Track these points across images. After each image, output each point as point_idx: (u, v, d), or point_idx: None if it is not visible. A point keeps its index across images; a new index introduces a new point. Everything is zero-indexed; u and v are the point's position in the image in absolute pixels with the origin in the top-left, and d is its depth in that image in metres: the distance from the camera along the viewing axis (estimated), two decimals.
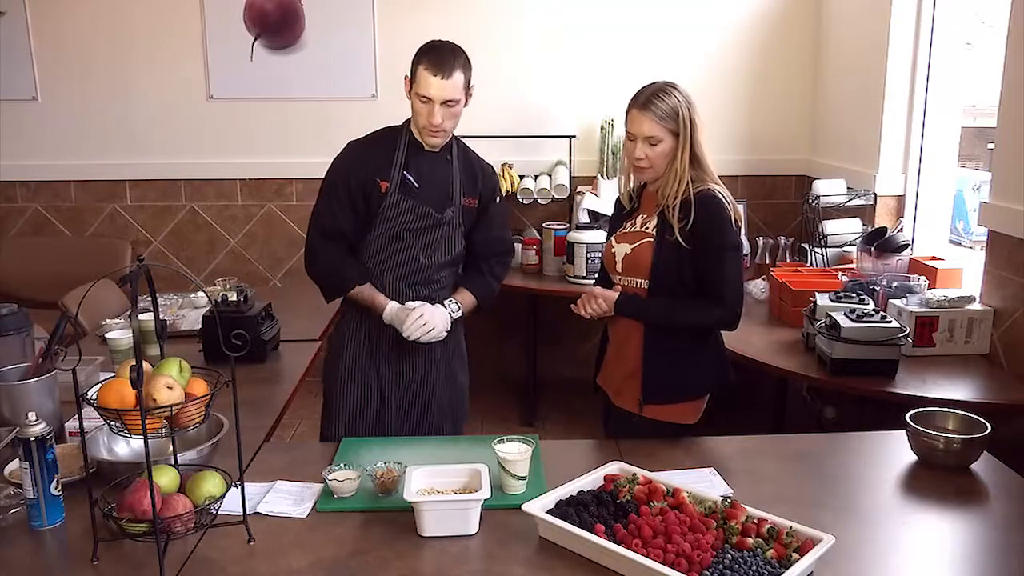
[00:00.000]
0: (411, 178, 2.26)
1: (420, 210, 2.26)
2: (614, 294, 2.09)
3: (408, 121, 2.30)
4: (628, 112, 2.04)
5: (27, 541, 1.61)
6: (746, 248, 3.61)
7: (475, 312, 2.43)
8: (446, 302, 2.33)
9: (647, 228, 2.07)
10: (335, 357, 2.42)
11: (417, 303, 2.27)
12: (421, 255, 2.30)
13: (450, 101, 2.15)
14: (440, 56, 2.14)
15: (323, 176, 2.32)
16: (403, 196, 2.25)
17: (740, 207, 2.10)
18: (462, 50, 2.20)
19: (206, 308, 3.17)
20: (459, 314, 2.34)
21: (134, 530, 1.49)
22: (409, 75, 2.21)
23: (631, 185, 2.19)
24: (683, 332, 2.05)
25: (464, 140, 2.42)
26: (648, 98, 1.99)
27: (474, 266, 2.45)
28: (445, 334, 2.28)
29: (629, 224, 2.15)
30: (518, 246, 4.21)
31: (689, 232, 1.98)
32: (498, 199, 2.43)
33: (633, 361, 2.11)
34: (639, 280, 2.07)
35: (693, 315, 2.04)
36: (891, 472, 1.90)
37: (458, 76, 2.14)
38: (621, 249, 2.12)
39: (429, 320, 2.22)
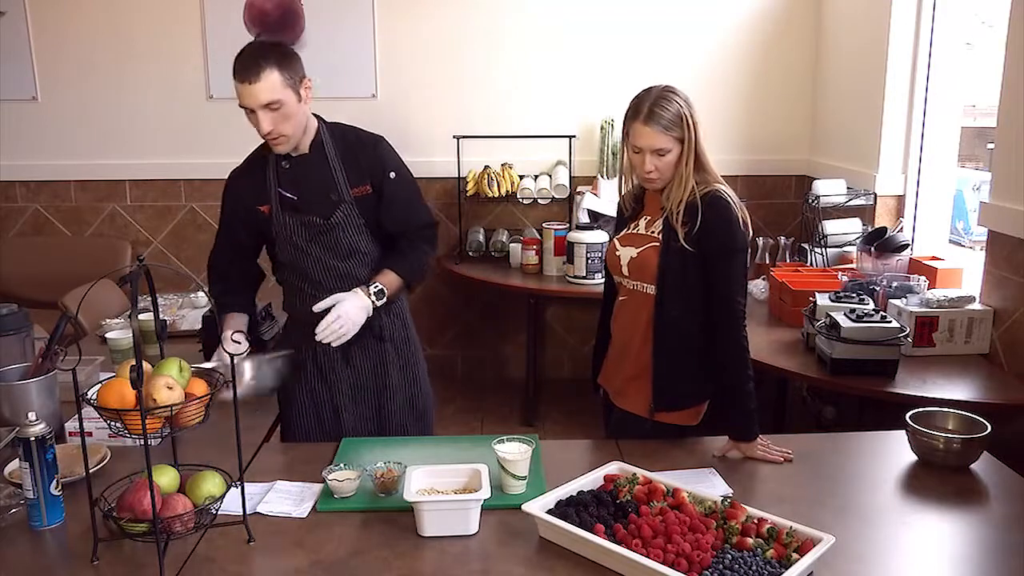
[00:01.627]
0: (287, 194, 2.17)
1: (307, 220, 2.17)
2: (753, 443, 1.94)
3: None
4: (629, 125, 1.98)
5: (27, 541, 1.61)
6: None
7: (402, 290, 2.29)
8: (364, 288, 2.16)
9: (652, 232, 2.05)
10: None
11: (331, 299, 2.11)
12: (334, 260, 2.20)
13: (271, 104, 2.01)
14: (243, 61, 2.03)
15: None
16: (287, 213, 2.17)
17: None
18: (277, 46, 2.07)
19: (206, 308, 3.16)
20: (383, 298, 2.17)
21: (134, 530, 1.49)
22: None
23: (628, 188, 2.16)
24: (750, 373, 1.98)
25: (347, 124, 2.25)
26: (650, 109, 1.93)
27: (394, 245, 2.29)
28: (358, 327, 2.13)
29: (633, 226, 2.12)
30: (518, 246, 4.22)
31: (696, 235, 1.96)
32: (392, 174, 2.23)
33: (636, 363, 2.10)
34: (645, 284, 2.06)
35: (742, 367, 1.97)
36: (891, 472, 1.90)
37: (268, 76, 2.00)
38: (626, 253, 2.10)
39: (344, 321, 2.08)
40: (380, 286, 2.19)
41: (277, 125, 2.05)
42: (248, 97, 2.02)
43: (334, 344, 2.11)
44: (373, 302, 2.16)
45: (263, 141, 2.17)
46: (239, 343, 1.98)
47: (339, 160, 2.19)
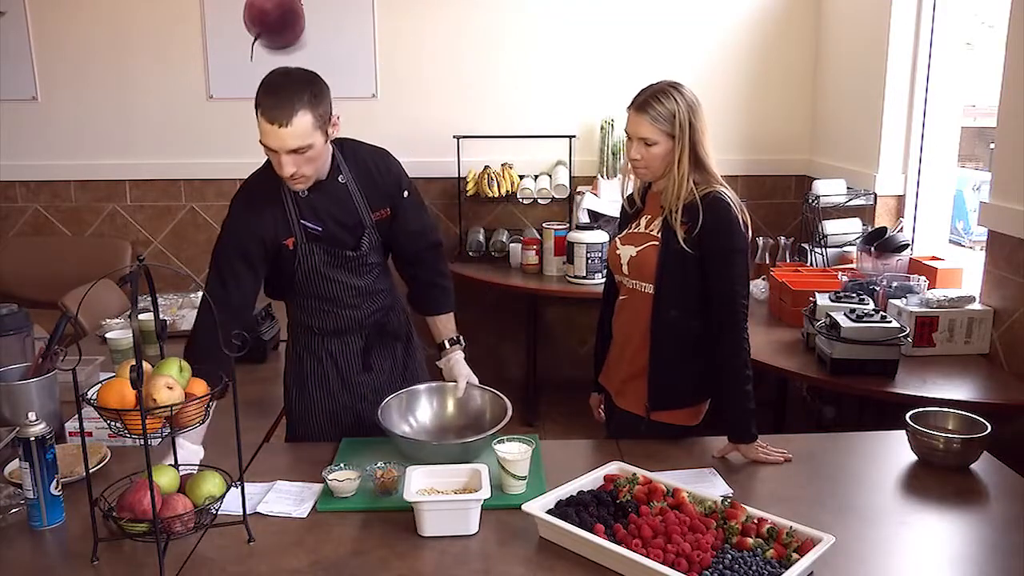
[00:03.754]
0: (311, 225, 2.06)
1: (333, 251, 2.10)
2: (753, 444, 1.95)
3: None
4: (627, 110, 2.03)
5: (27, 541, 1.61)
6: None
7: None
8: (455, 352, 2.22)
9: (652, 231, 2.06)
10: (299, 378, 2.28)
11: (463, 380, 2.16)
12: (355, 279, 2.16)
13: (299, 148, 1.86)
14: (276, 98, 1.84)
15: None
16: (312, 243, 2.08)
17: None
18: (310, 81, 1.91)
19: None
20: (461, 347, 2.25)
21: (134, 530, 1.49)
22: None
23: (636, 185, 2.17)
24: (749, 374, 1.98)
25: (353, 141, 2.17)
26: (646, 99, 1.97)
27: (421, 277, 2.27)
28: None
29: (634, 225, 2.13)
30: (518, 246, 4.22)
31: (696, 236, 1.96)
32: (406, 193, 2.18)
33: (635, 363, 2.10)
34: (645, 284, 2.06)
35: (742, 368, 1.97)
36: (891, 472, 1.90)
37: (301, 120, 1.83)
38: (626, 251, 2.10)
39: (470, 376, 2.18)
40: (456, 337, 2.26)
41: (300, 167, 1.91)
42: (275, 139, 1.85)
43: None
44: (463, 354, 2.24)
45: (267, 164, 2.03)
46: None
47: (358, 186, 2.11)
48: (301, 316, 2.24)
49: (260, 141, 1.89)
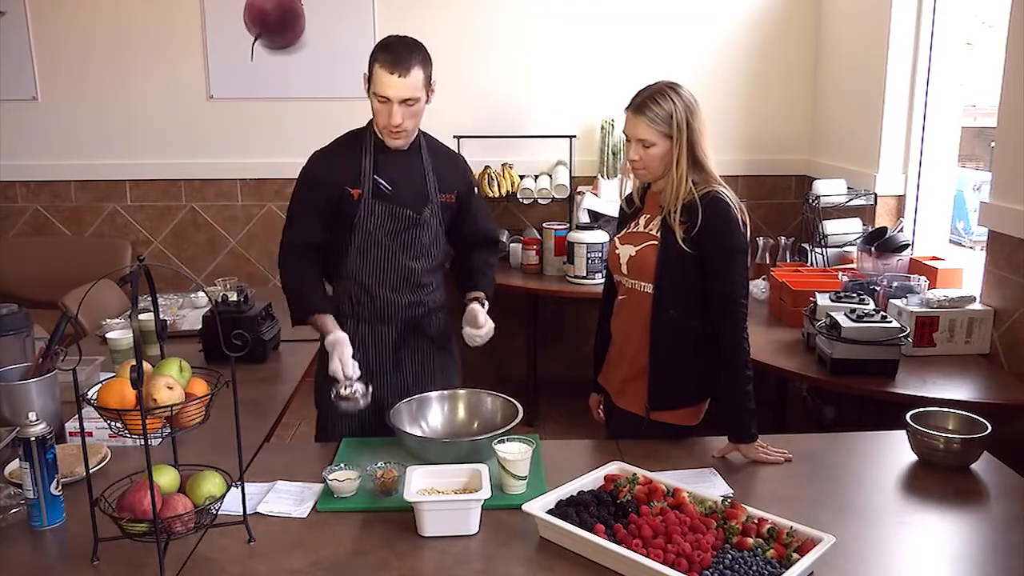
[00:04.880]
0: (383, 182, 2.16)
1: (398, 212, 2.17)
2: (753, 444, 1.94)
3: (371, 122, 2.20)
4: (625, 112, 2.03)
5: (27, 541, 1.61)
6: None
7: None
8: (482, 310, 2.24)
9: (651, 230, 2.06)
10: (328, 378, 2.26)
11: (483, 316, 2.20)
12: (407, 259, 2.21)
13: (409, 100, 2.06)
14: (396, 53, 2.04)
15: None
16: (378, 201, 2.16)
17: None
18: (421, 45, 2.11)
19: (206, 308, 3.17)
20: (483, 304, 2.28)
21: (134, 530, 1.48)
22: (367, 73, 2.10)
23: (635, 184, 2.18)
24: (749, 374, 1.98)
25: (430, 136, 2.32)
26: (643, 101, 1.98)
27: (471, 263, 2.36)
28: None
29: (633, 225, 2.13)
30: (518, 246, 4.22)
31: (696, 236, 1.96)
32: (476, 189, 2.37)
33: (634, 363, 2.10)
34: (644, 284, 2.06)
35: (741, 368, 1.97)
36: (891, 472, 1.90)
37: (416, 73, 2.05)
38: (625, 251, 2.10)
39: (492, 331, 2.21)
40: (485, 303, 2.28)
41: (406, 120, 2.08)
42: (392, 88, 2.03)
43: (477, 344, 2.20)
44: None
45: (353, 130, 2.22)
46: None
47: (432, 165, 2.24)
48: (344, 297, 2.26)
49: (372, 92, 2.07)
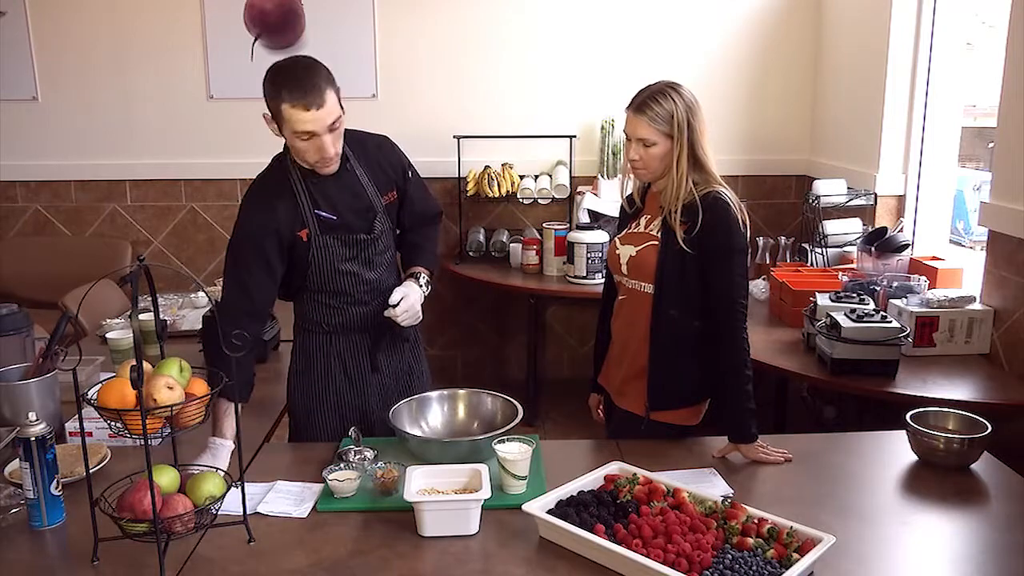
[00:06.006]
0: (324, 214, 2.06)
1: (349, 239, 2.09)
2: (753, 444, 1.94)
3: (283, 157, 2.06)
4: (626, 111, 2.03)
5: (27, 541, 1.61)
6: None
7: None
8: (414, 279, 2.18)
9: (651, 230, 2.06)
10: (306, 377, 2.24)
11: (399, 292, 2.12)
12: (368, 273, 2.15)
13: (334, 124, 1.91)
14: (302, 88, 1.86)
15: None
16: (326, 235, 2.07)
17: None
18: (317, 63, 1.94)
19: (206, 308, 3.17)
20: (429, 289, 2.21)
21: (134, 530, 1.48)
22: (268, 114, 1.93)
23: (635, 184, 2.18)
24: (749, 374, 1.98)
25: (353, 131, 2.14)
26: (644, 100, 1.98)
27: (410, 239, 2.29)
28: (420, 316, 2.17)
29: (634, 225, 2.13)
30: (518, 246, 4.23)
31: (696, 236, 1.96)
32: (410, 173, 2.22)
33: (634, 363, 2.10)
34: (644, 284, 2.06)
35: (741, 368, 1.96)
36: (891, 472, 1.90)
37: (329, 96, 1.89)
38: (626, 251, 2.10)
39: (416, 305, 2.13)
40: (427, 277, 2.23)
41: (336, 143, 1.95)
42: (315, 123, 1.88)
43: (406, 325, 2.13)
44: (424, 292, 2.19)
45: (269, 170, 2.08)
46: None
47: (366, 172, 2.13)
48: (311, 314, 2.21)
49: (289, 131, 1.90)
